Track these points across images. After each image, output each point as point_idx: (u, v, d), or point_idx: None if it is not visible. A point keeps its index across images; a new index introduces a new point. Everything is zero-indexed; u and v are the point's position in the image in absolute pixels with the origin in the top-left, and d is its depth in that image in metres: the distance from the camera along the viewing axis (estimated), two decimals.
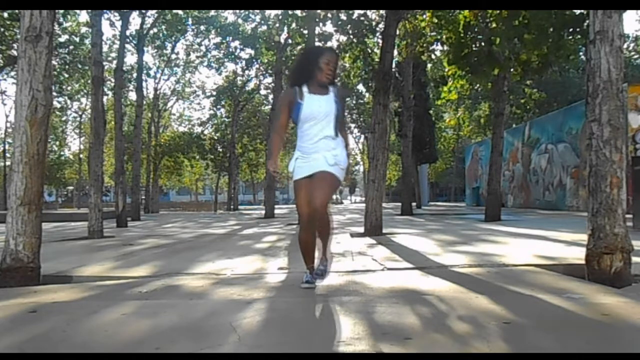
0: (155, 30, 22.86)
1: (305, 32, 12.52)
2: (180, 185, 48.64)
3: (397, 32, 9.08)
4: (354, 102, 29.39)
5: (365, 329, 2.12)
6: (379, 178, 7.44)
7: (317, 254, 3.18)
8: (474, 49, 10.21)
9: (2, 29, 17.58)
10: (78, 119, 36.87)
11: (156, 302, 2.84)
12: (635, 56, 29.33)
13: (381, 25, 8.92)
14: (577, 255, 3.94)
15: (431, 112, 26.31)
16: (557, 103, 23.70)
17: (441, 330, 2.10)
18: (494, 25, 9.53)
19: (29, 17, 3.54)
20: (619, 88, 3.10)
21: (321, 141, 2.95)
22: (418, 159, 24.75)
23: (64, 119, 36.41)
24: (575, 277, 3.25)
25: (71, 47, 21.82)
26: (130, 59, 25.68)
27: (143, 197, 25.09)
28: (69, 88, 28.51)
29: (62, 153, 40.01)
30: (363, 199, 34.71)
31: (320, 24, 9.95)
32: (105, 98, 13.69)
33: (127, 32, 17.31)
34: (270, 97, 23.63)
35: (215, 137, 31.44)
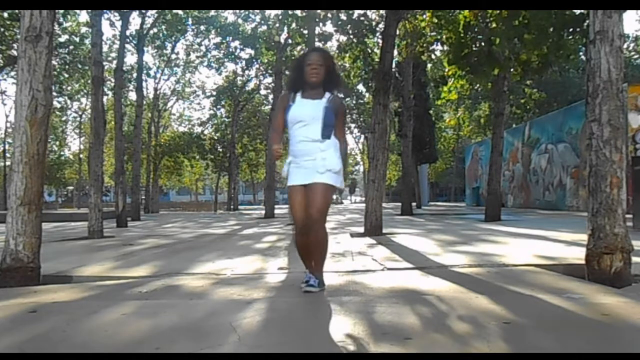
0: (155, 30, 22.86)
1: (305, 32, 12.53)
2: (180, 185, 48.66)
3: (397, 32, 9.08)
4: (354, 102, 29.38)
5: (365, 329, 2.12)
6: (379, 178, 7.44)
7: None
8: (474, 49, 10.20)
9: (2, 29, 17.58)
10: (78, 119, 36.89)
11: (156, 302, 2.84)
12: (635, 56, 29.34)
13: (381, 25, 8.91)
14: (577, 255, 3.94)
15: (431, 112, 26.30)
16: (557, 103, 23.70)
17: (441, 330, 2.10)
18: (494, 25, 9.53)
19: (29, 17, 3.54)
20: (619, 88, 3.10)
21: (309, 144, 2.94)
22: (418, 159, 24.74)
23: (64, 119, 36.42)
24: (575, 277, 3.25)
25: (71, 47, 21.82)
26: (130, 59, 25.72)
27: (143, 197, 25.09)
28: (69, 88, 28.52)
29: (62, 153, 40.02)
30: (363, 199, 34.72)
31: (320, 24, 9.96)
32: (105, 98, 13.69)
33: (127, 32, 17.31)
34: (270, 97, 23.65)
35: (215, 137, 31.45)
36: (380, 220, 7.34)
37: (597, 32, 3.14)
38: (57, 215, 17.67)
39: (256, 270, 4.10)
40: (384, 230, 7.40)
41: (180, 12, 21.33)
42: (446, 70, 11.75)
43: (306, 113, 2.95)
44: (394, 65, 10.61)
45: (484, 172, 21.96)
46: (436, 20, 10.39)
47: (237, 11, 20.81)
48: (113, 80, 19.30)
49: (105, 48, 21.72)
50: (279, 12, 15.59)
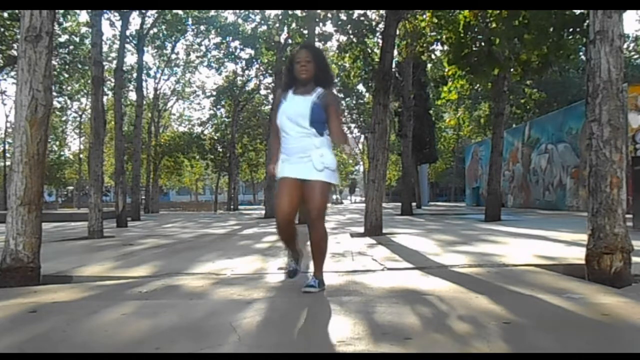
0: (155, 30, 22.85)
1: (305, 32, 12.53)
2: (180, 185, 48.66)
3: (397, 32, 9.08)
4: (354, 102, 29.38)
5: (365, 329, 2.12)
6: (379, 178, 7.44)
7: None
8: (474, 49, 10.20)
9: (2, 29, 17.58)
10: (78, 119, 36.89)
11: (156, 302, 2.84)
12: (635, 56, 29.34)
13: (381, 25, 8.91)
14: (577, 255, 3.94)
15: (431, 112, 26.30)
16: (557, 103, 23.71)
17: (441, 330, 2.10)
18: (494, 25, 9.52)
19: (29, 17, 3.54)
20: (619, 88, 3.10)
21: (302, 139, 2.92)
22: (418, 159, 24.74)
23: (64, 119, 36.42)
24: (575, 277, 3.25)
25: (71, 47, 21.82)
26: (130, 59, 25.71)
27: (143, 197, 25.09)
28: (69, 88, 28.51)
29: (62, 153, 40.03)
30: (363, 199, 34.71)
31: (320, 24, 9.95)
32: (105, 98, 13.69)
33: (127, 32, 17.31)
34: (270, 97, 23.65)
35: (215, 137, 31.44)
36: (380, 220, 7.34)
37: (597, 32, 3.14)
38: (57, 215, 17.67)
39: (256, 270, 4.10)
40: (384, 230, 7.40)
41: (180, 12, 21.34)
42: (446, 70, 11.75)
43: (294, 109, 2.95)
44: (394, 65, 10.61)
45: (484, 172, 21.96)
46: (436, 20, 10.38)
47: (237, 11, 20.81)
48: (113, 80, 19.30)
49: (105, 48, 21.72)
50: (279, 12, 15.59)
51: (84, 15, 20.81)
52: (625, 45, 19.40)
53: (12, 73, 22.22)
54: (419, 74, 20.73)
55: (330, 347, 1.91)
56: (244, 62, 23.43)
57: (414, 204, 17.92)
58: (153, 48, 26.11)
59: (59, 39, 20.38)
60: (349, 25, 8.86)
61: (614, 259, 3.05)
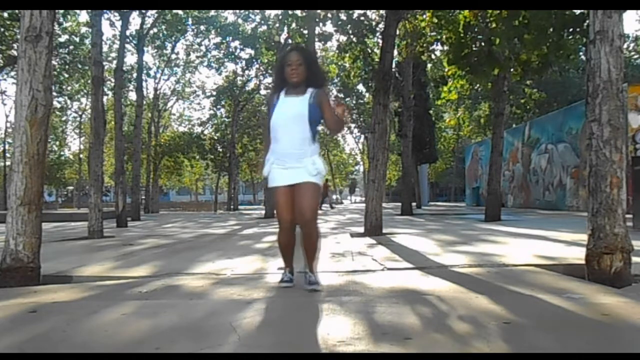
0: (155, 30, 22.85)
1: (305, 32, 12.54)
2: (180, 185, 48.68)
3: (397, 32, 9.08)
4: (354, 102, 29.38)
5: (365, 329, 2.12)
6: (379, 178, 7.44)
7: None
8: (474, 49, 10.20)
9: (2, 29, 17.58)
10: (78, 119, 36.91)
11: (156, 302, 2.84)
12: (635, 56, 29.34)
13: (381, 25, 8.92)
14: (577, 255, 3.94)
15: (431, 112, 26.30)
16: (557, 103, 23.70)
17: (441, 330, 2.10)
18: (494, 25, 9.53)
19: (29, 17, 3.54)
20: (619, 88, 3.10)
21: (296, 144, 2.93)
22: (418, 159, 24.74)
23: (64, 119, 36.44)
24: (575, 277, 3.25)
25: (71, 47, 21.83)
26: (130, 59, 25.72)
27: (143, 197, 25.08)
28: (69, 88, 28.53)
29: (62, 153, 40.04)
30: (363, 199, 34.71)
31: (320, 24, 9.95)
32: (105, 98, 13.69)
33: (127, 32, 17.31)
34: None
35: (215, 137, 31.44)
36: (380, 220, 7.34)
37: (597, 32, 3.14)
38: (57, 215, 17.66)
39: (256, 270, 4.10)
40: (384, 230, 7.40)
41: (180, 12, 21.34)
42: (446, 70, 11.75)
43: (290, 111, 2.94)
44: (394, 65, 10.61)
45: (484, 172, 21.96)
46: (436, 20, 10.39)
47: (237, 11, 20.81)
48: (113, 80, 19.30)
49: (105, 48, 21.73)
50: (279, 12, 15.59)
51: (84, 15, 20.84)
52: (625, 45, 19.42)
53: (12, 73, 22.22)
54: (419, 74, 20.73)
55: (330, 347, 1.91)
56: (244, 62, 23.43)
57: (414, 204, 17.92)
58: (153, 48, 26.11)
59: (59, 39, 20.39)
60: (349, 25, 8.86)
61: (614, 259, 3.06)
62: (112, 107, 18.47)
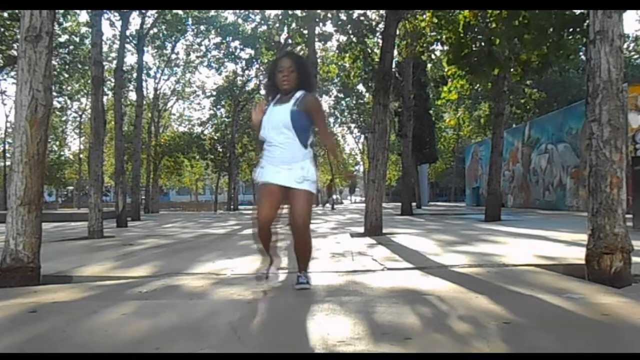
0: (155, 30, 22.86)
1: (305, 32, 12.54)
2: (180, 185, 48.65)
3: (397, 32, 9.08)
4: (354, 102, 29.39)
5: (365, 329, 2.12)
6: (379, 178, 7.44)
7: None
8: (474, 49, 10.21)
9: (2, 29, 17.58)
10: (78, 119, 36.91)
11: (156, 302, 2.84)
12: (635, 56, 29.35)
13: (381, 25, 8.92)
14: (577, 255, 3.94)
15: (431, 112, 26.31)
16: (557, 103, 23.70)
17: (441, 330, 2.10)
18: (494, 25, 9.53)
19: (29, 17, 3.54)
20: (619, 88, 3.10)
21: (287, 148, 2.94)
22: (418, 159, 24.74)
23: (64, 119, 36.44)
24: (575, 277, 3.25)
25: (71, 47, 21.83)
26: (130, 59, 25.72)
27: (143, 197, 25.08)
28: (69, 88, 28.53)
29: (62, 153, 40.04)
30: (363, 199, 34.73)
31: (320, 24, 9.96)
32: (105, 98, 13.69)
33: (127, 32, 17.31)
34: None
35: (215, 137, 31.44)
36: (380, 220, 7.34)
37: (597, 32, 3.14)
38: (57, 215, 17.66)
39: (256, 270, 4.09)
40: (384, 230, 7.40)
41: (180, 12, 21.35)
42: (446, 70, 11.76)
43: (275, 119, 2.96)
44: (394, 65, 10.61)
45: (484, 172, 21.96)
46: (436, 20, 10.39)
47: (237, 11, 20.83)
48: (113, 80, 19.30)
49: (105, 48, 21.73)
50: (279, 12, 15.60)
51: (84, 15, 20.85)
52: (625, 45, 19.42)
53: (12, 73, 22.23)
54: (419, 74, 20.73)
55: (330, 347, 1.91)
56: (244, 62, 23.46)
57: (414, 204, 17.92)
58: (153, 48, 26.13)
59: (59, 39, 20.39)
60: (349, 25, 8.86)
61: (614, 259, 3.05)
62: (112, 107, 18.47)
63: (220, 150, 30.51)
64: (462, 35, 10.00)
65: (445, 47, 11.20)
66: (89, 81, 14.08)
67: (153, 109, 28.34)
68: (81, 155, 37.39)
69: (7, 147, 29.21)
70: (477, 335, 2.00)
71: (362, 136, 38.52)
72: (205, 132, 32.53)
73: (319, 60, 17.15)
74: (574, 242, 5.38)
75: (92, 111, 9.32)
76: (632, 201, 6.98)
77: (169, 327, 2.26)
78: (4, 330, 2.28)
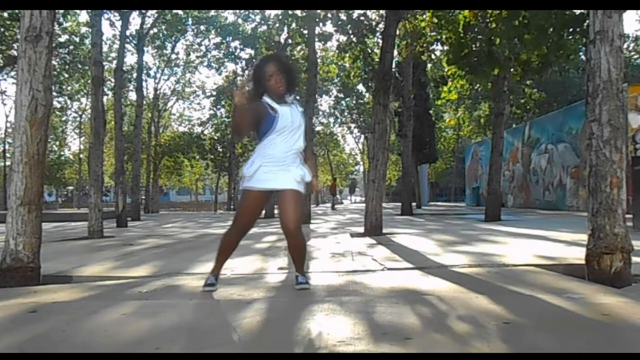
0: (155, 30, 22.86)
1: (305, 32, 12.54)
2: (180, 185, 48.67)
3: (397, 32, 9.09)
4: (354, 102, 29.39)
5: (365, 329, 2.12)
6: (379, 178, 7.44)
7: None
8: (474, 49, 10.21)
9: (2, 29, 17.58)
10: (78, 119, 36.90)
11: (156, 302, 2.84)
12: (635, 56, 29.36)
13: (381, 25, 8.92)
14: (577, 255, 3.94)
15: (431, 112, 26.31)
16: (557, 103, 23.71)
17: (441, 330, 2.10)
18: (494, 25, 9.53)
19: (29, 17, 3.54)
20: (619, 88, 3.10)
21: (293, 154, 2.98)
22: (418, 159, 24.74)
23: (64, 119, 36.43)
24: (575, 277, 3.25)
25: (71, 47, 21.83)
26: (130, 59, 25.73)
27: (143, 197, 25.09)
28: (69, 88, 28.53)
29: (62, 153, 40.04)
30: (363, 199, 34.72)
31: (320, 24, 9.97)
32: (105, 98, 13.69)
33: (127, 32, 17.32)
34: None
35: (215, 137, 31.44)
36: (380, 220, 7.34)
37: (597, 32, 3.14)
38: (57, 215, 17.66)
39: (256, 270, 4.10)
40: (384, 230, 7.40)
41: (180, 12, 21.35)
42: (446, 70, 11.76)
43: (290, 120, 2.96)
44: (394, 65, 10.61)
45: (484, 172, 21.96)
46: (436, 20, 10.40)
47: (237, 11, 20.82)
48: (113, 80, 19.30)
49: (105, 48, 21.74)
50: (279, 12, 15.59)
51: (84, 15, 20.85)
52: (625, 45, 19.43)
53: (12, 73, 22.23)
54: (419, 74, 20.73)
55: (330, 347, 1.91)
56: (244, 62, 23.42)
57: (414, 204, 17.92)
58: (153, 48, 26.13)
59: (59, 39, 20.39)
60: (349, 25, 8.87)
61: (614, 259, 3.05)
62: (112, 107, 18.47)
63: (220, 150, 30.52)
64: (462, 35, 10.00)
65: (445, 47, 11.21)
66: (89, 81, 14.08)
67: (153, 109, 28.35)
68: (81, 155, 37.39)
69: (7, 147, 29.21)
70: (477, 335, 2.00)
71: (362, 136, 38.51)
72: (205, 132, 32.53)
73: (319, 60, 17.15)
74: (574, 242, 5.38)
75: (92, 111, 9.32)
76: (632, 201, 6.98)
77: (169, 327, 2.26)
78: (4, 330, 2.28)
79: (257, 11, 19.54)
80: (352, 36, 9.19)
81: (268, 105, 2.97)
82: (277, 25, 17.55)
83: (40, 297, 2.98)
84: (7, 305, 2.78)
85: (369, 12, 9.43)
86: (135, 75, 19.68)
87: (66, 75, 23.93)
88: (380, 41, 8.77)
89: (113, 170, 18.95)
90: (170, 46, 26.80)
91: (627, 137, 10.69)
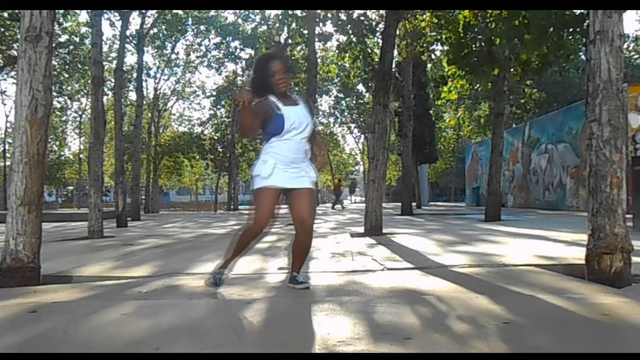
0: (155, 30, 22.87)
1: (305, 32, 12.55)
2: (180, 185, 48.67)
3: (397, 32, 9.09)
4: (354, 102, 29.40)
5: (365, 329, 2.12)
6: (379, 178, 7.44)
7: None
8: (474, 49, 10.21)
9: (2, 29, 17.58)
10: (78, 119, 36.93)
11: (156, 302, 2.84)
12: (635, 56, 29.37)
13: (381, 25, 8.92)
14: (577, 255, 3.94)
15: (431, 112, 26.30)
16: (557, 103, 23.70)
17: (441, 330, 2.10)
18: (494, 25, 9.53)
19: (29, 17, 3.54)
20: (619, 88, 3.10)
21: (302, 153, 2.99)
22: (418, 159, 24.74)
23: (64, 119, 36.46)
24: (575, 277, 3.25)
25: (71, 47, 21.84)
26: (130, 59, 25.75)
27: (143, 197, 25.09)
28: (69, 88, 28.55)
29: (62, 153, 40.06)
30: (363, 199, 34.71)
31: (320, 24, 9.97)
32: (105, 98, 13.69)
33: (127, 32, 17.32)
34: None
35: (215, 137, 31.45)
36: (380, 220, 7.34)
37: (597, 32, 3.14)
38: (57, 215, 17.66)
39: (256, 270, 4.10)
40: (384, 230, 7.40)
41: (180, 12, 21.36)
42: (446, 70, 11.76)
43: (297, 121, 2.96)
44: (394, 65, 10.62)
45: (484, 172, 21.95)
46: (436, 20, 10.41)
47: (237, 11, 20.83)
48: (113, 80, 19.31)
49: (105, 48, 21.74)
50: (279, 12, 15.60)
51: (84, 15, 20.86)
52: (625, 45, 19.41)
53: (12, 73, 22.23)
54: (419, 74, 20.73)
55: (330, 347, 1.91)
56: (244, 62, 23.45)
57: (414, 204, 17.92)
58: (153, 48, 26.15)
59: (59, 39, 20.39)
60: (349, 25, 8.86)
61: (614, 259, 3.05)
62: (112, 107, 18.48)
63: (220, 150, 30.52)
64: (462, 35, 10.00)
65: (445, 47, 11.21)
66: (89, 81, 14.08)
67: (153, 109, 28.35)
68: (81, 155, 37.40)
69: (7, 147, 29.21)
70: (477, 336, 2.00)
71: (362, 136, 38.53)
72: (205, 132, 32.54)
73: (319, 60, 17.15)
74: (574, 242, 5.38)
75: (92, 111, 9.32)
76: (632, 201, 6.98)
77: (169, 327, 2.26)
78: (4, 330, 2.28)
79: (257, 11, 19.57)
80: (352, 36, 9.19)
81: (274, 105, 2.96)
82: (277, 25, 17.58)
83: (40, 297, 2.98)
84: (7, 305, 2.78)
85: (369, 12, 9.43)
86: (135, 75, 19.69)
87: (66, 75, 23.95)
88: (380, 41, 8.77)
89: (113, 170, 18.96)
90: (170, 46, 26.85)
91: (627, 137, 10.69)
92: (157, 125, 30.08)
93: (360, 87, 26.07)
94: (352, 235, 7.39)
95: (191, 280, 3.54)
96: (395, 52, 11.11)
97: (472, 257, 4.45)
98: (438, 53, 14.20)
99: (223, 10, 22.18)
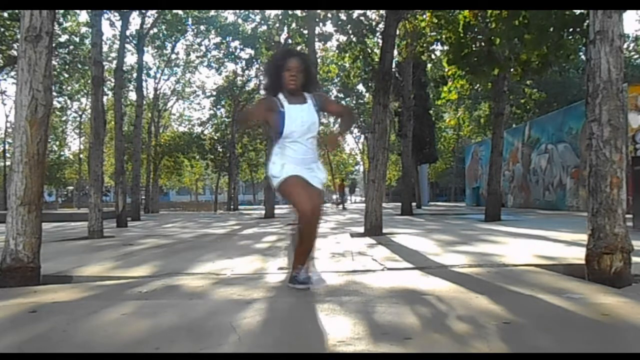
0: (155, 30, 22.87)
1: (305, 32, 12.55)
2: (180, 185, 48.69)
3: (397, 32, 9.09)
4: (354, 102, 29.40)
5: (365, 329, 2.12)
6: (379, 178, 7.44)
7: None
8: (474, 49, 10.21)
9: (2, 29, 17.59)
10: (78, 119, 36.94)
11: (156, 302, 2.84)
12: (635, 56, 29.38)
13: (381, 25, 8.92)
14: (577, 255, 3.94)
15: (431, 112, 26.31)
16: (557, 103, 23.71)
17: (441, 330, 2.10)
18: (494, 25, 9.53)
19: (29, 17, 3.54)
20: (619, 88, 3.10)
21: (311, 154, 2.98)
22: (418, 159, 24.75)
23: (64, 119, 36.46)
24: (575, 277, 3.25)
25: (71, 47, 21.84)
26: (130, 59, 25.76)
27: (143, 197, 25.09)
28: (69, 88, 28.56)
29: (62, 153, 40.08)
30: (363, 199, 34.71)
31: (320, 24, 9.97)
32: (105, 98, 13.69)
33: (127, 32, 17.32)
34: None
35: (215, 137, 31.46)
36: (380, 220, 7.34)
37: (597, 32, 3.14)
38: (57, 215, 17.67)
39: (256, 270, 4.10)
40: (384, 230, 7.40)
41: (180, 12, 21.35)
42: (446, 70, 11.77)
43: (304, 119, 2.92)
44: (394, 65, 10.62)
45: (484, 172, 21.96)
46: (436, 20, 10.41)
47: (237, 11, 20.83)
48: (113, 80, 19.31)
49: (105, 48, 21.75)
50: (279, 12, 15.60)
51: (84, 15, 20.86)
52: (625, 45, 19.43)
53: (12, 73, 22.23)
54: (419, 74, 20.74)
55: (330, 347, 1.91)
56: (244, 62, 23.45)
57: (414, 204, 17.92)
58: (153, 48, 26.15)
59: (59, 39, 20.40)
60: (349, 25, 8.87)
61: (614, 259, 3.05)
62: (112, 107, 18.49)
63: (220, 150, 30.53)
64: (462, 35, 10.00)
65: (445, 47, 11.21)
66: (89, 81, 14.09)
67: (153, 109, 28.35)
68: (81, 155, 37.42)
69: (7, 147, 29.21)
70: (477, 336, 2.00)
71: (362, 136, 38.52)
72: (205, 132, 32.55)
73: (319, 60, 17.16)
74: (574, 242, 5.38)
75: (92, 111, 9.33)
76: (632, 201, 6.98)
77: (169, 327, 2.26)
78: (4, 330, 2.28)
79: (257, 11, 19.57)
80: (352, 36, 9.19)
81: (279, 102, 2.93)
82: (277, 25, 17.57)
83: (40, 297, 2.98)
84: (7, 305, 2.78)
85: (369, 12, 9.44)
86: (135, 75, 19.69)
87: (66, 75, 23.95)
88: (380, 41, 8.77)
89: (113, 170, 18.97)
90: (170, 46, 26.84)
91: (627, 137, 10.69)
92: (157, 125, 30.09)
93: (360, 87, 26.06)
94: (352, 235, 7.39)
95: (191, 280, 3.54)
96: (395, 52, 11.11)
97: (472, 257, 4.45)
98: (438, 53, 14.21)
99: (223, 10, 22.20)
